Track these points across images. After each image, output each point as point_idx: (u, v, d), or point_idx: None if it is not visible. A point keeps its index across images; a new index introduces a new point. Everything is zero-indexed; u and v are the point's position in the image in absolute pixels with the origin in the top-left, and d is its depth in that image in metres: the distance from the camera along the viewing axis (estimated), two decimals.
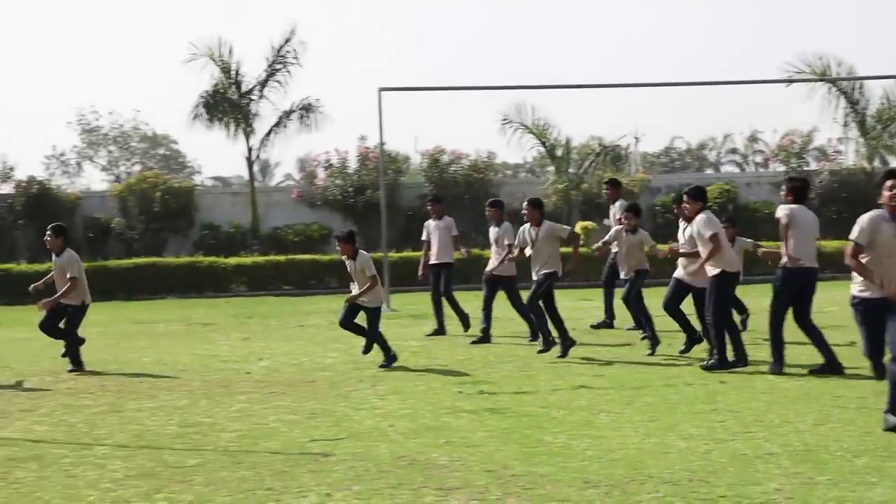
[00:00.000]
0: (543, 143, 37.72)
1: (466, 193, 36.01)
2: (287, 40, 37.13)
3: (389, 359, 15.39)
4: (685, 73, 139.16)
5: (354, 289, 15.66)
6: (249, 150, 37.35)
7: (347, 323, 15.70)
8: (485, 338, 17.83)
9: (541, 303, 16.02)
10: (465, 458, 9.69)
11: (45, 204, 36.19)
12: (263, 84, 37.15)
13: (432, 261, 19.24)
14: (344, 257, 15.74)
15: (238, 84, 37.12)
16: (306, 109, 37.58)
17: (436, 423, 11.42)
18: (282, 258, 33.01)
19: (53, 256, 15.92)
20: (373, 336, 15.58)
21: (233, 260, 32.95)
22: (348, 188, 36.60)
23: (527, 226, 16.19)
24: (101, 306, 27.48)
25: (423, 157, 40.35)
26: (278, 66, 37.19)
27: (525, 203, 16.39)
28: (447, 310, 19.22)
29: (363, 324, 15.63)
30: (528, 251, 16.21)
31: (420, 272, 19.55)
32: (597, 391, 13.08)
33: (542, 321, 16.15)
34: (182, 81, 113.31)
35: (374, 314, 15.63)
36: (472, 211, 34.57)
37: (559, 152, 37.77)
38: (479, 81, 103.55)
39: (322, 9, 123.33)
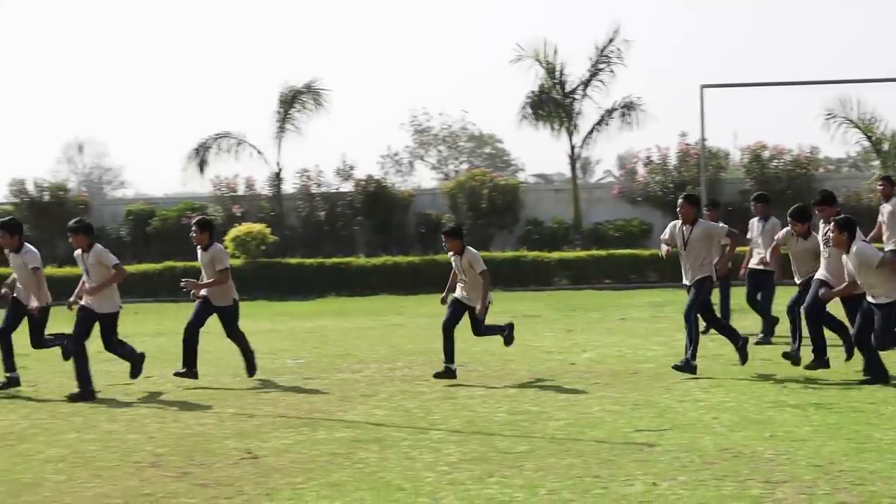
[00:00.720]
0: (869, 138, 36.25)
1: (788, 189, 34.98)
2: (611, 40, 37.04)
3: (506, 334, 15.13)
4: None
5: (460, 287, 14.94)
6: (572, 147, 37.46)
7: (452, 327, 14.67)
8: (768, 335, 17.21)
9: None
10: (791, 452, 9.46)
11: (381, 201, 37.28)
12: (587, 83, 37.19)
13: (752, 264, 17.69)
14: (450, 254, 15.05)
15: (562, 84, 37.28)
16: (628, 107, 37.38)
17: (760, 416, 11.19)
18: (603, 253, 32.98)
19: (200, 251, 14.72)
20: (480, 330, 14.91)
21: (556, 254, 33.16)
22: (668, 184, 36.19)
23: (677, 222, 14.36)
24: (431, 298, 28.16)
25: (743, 153, 39.46)
26: (601, 66, 37.13)
27: (680, 199, 14.54)
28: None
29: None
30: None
31: (742, 271, 18.16)
32: None
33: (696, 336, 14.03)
34: (507, 83, 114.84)
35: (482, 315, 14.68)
36: None
37: (885, 146, 36.20)
38: (800, 76, 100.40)
39: (644, 6, 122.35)
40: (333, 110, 38.26)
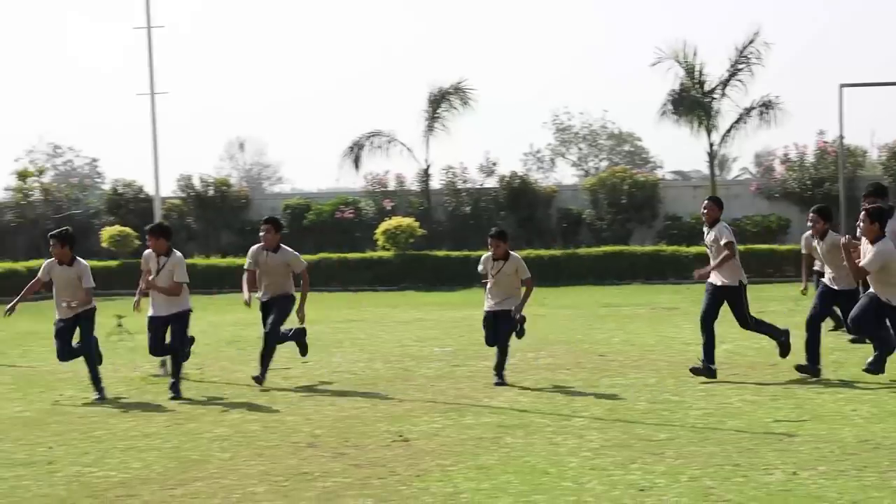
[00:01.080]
0: None
1: None
2: (750, 42, 36.39)
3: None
4: None
5: (489, 296, 13.82)
6: (711, 145, 36.93)
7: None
8: None
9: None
10: None
11: (524, 196, 37.32)
12: (725, 83, 36.57)
13: None
14: (493, 258, 13.68)
15: (701, 84, 36.74)
16: (766, 106, 36.66)
17: None
18: (740, 248, 32.36)
19: (265, 253, 13.82)
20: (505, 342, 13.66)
21: (694, 249, 32.68)
22: (806, 181, 35.45)
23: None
24: (572, 290, 28.19)
25: (880, 151, 38.41)
26: (740, 66, 36.47)
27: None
28: None
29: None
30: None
31: None
32: None
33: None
34: (646, 83, 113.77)
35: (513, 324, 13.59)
36: None
37: None
38: None
39: (784, 4, 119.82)
40: (478, 109, 38.32)
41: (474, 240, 35.62)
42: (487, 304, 13.83)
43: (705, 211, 14.05)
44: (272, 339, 13.66)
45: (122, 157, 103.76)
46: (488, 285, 13.80)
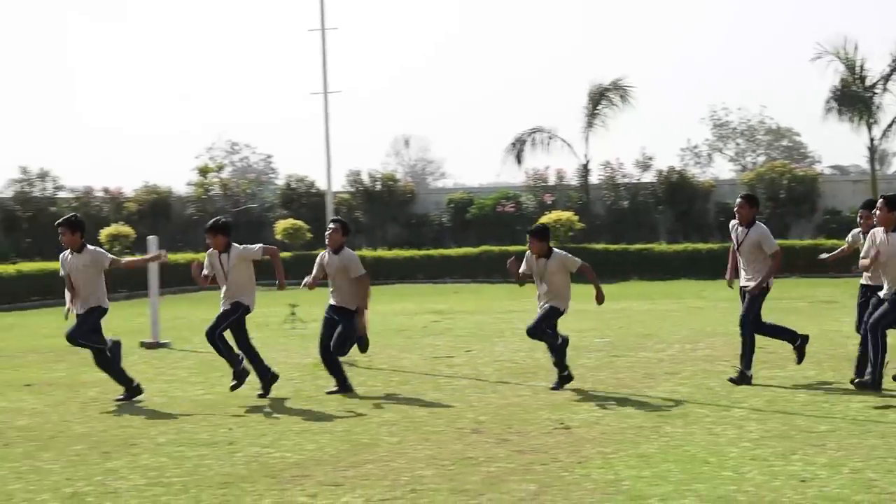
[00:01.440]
0: None
1: None
2: None
3: None
4: None
5: (539, 299, 12.49)
6: (871, 140, 35.90)
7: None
8: None
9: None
10: None
11: (682, 190, 36.91)
12: (887, 78, 35.52)
13: None
14: (534, 256, 12.42)
15: (862, 79, 35.75)
16: None
17: None
18: None
19: (329, 253, 12.50)
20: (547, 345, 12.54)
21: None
22: None
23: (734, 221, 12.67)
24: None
25: None
26: None
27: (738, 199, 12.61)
28: None
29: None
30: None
31: None
32: None
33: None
34: (805, 79, 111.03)
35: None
36: None
37: None
38: None
39: None
40: (636, 105, 38.04)
41: (632, 233, 35.40)
42: (540, 304, 12.47)
43: (739, 210, 12.52)
44: (335, 353, 12.33)
45: (294, 153, 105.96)
46: (538, 288, 12.43)
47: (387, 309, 22.35)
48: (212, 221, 12.50)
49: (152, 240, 17.73)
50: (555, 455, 8.88)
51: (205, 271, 12.49)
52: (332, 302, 12.46)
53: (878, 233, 11.59)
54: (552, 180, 38.47)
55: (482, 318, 19.62)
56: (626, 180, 38.03)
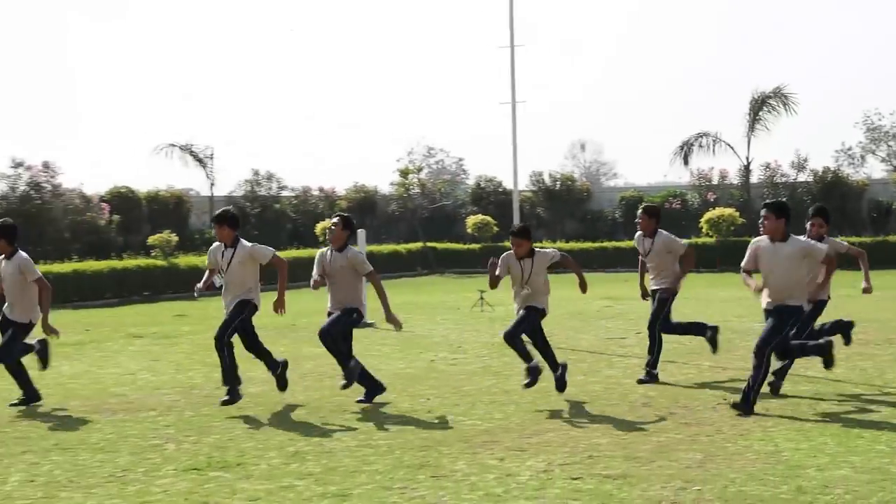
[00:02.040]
0: None
1: None
2: None
3: None
4: None
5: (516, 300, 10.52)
6: None
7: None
8: None
9: None
10: None
11: (836, 189, 35.80)
12: None
13: None
14: (517, 258, 10.37)
15: None
16: None
17: None
18: None
19: (331, 251, 10.31)
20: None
21: None
22: None
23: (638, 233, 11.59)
24: (881, 274, 26.53)
25: None
26: None
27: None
28: None
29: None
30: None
31: None
32: None
33: None
34: None
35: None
36: None
37: None
38: None
39: None
40: (797, 111, 36.96)
41: (790, 229, 34.36)
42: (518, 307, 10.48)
43: (641, 222, 11.54)
44: (328, 343, 10.12)
45: (482, 155, 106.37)
46: (518, 290, 10.38)
47: (564, 295, 22.22)
48: (219, 211, 10.53)
49: (361, 233, 18.06)
50: (719, 427, 8.71)
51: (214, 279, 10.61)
52: (330, 308, 10.36)
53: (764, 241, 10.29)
54: (715, 180, 37.81)
55: (646, 305, 19.27)
56: (784, 180, 37.09)
